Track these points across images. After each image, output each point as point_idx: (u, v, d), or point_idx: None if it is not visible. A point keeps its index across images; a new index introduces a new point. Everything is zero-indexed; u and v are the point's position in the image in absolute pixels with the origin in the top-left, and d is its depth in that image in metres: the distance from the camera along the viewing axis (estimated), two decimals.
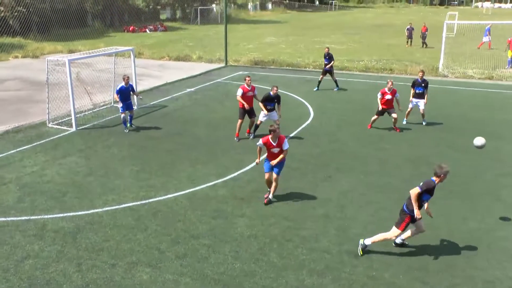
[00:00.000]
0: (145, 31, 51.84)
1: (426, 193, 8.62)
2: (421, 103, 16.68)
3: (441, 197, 11.39)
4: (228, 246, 9.20)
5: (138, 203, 10.92)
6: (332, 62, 22.64)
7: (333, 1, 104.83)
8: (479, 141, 10.52)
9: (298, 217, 10.36)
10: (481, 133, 16.14)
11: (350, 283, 8.14)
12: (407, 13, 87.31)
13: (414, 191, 8.56)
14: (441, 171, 8.49)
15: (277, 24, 63.99)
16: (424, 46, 38.79)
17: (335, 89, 22.84)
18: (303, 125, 17.02)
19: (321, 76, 22.87)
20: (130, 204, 10.84)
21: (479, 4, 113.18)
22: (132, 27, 51.58)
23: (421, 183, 8.60)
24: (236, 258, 8.79)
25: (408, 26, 40.29)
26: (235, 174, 12.64)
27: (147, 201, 11.02)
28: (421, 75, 16.58)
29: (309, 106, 19.70)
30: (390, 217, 10.35)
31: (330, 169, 13.01)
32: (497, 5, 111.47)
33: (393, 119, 16.26)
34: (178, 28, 56.40)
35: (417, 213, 8.55)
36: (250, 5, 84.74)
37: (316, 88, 22.76)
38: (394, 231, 8.89)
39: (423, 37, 39.00)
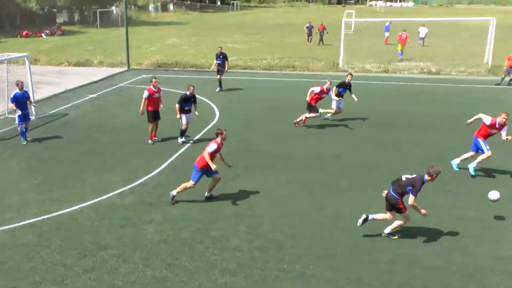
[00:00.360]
0: (41, 36, 49.21)
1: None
2: (342, 103, 17.20)
3: (346, 188, 11.93)
4: (138, 253, 8.99)
5: (40, 218, 10.35)
6: (227, 62, 22.51)
7: (235, 1, 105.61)
8: (494, 195, 10.23)
9: (208, 218, 10.36)
10: (385, 123, 17.22)
11: (263, 278, 8.27)
12: (306, 12, 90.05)
13: (411, 201, 8.99)
14: (434, 171, 8.99)
15: (179, 25, 63.41)
16: (321, 43, 40.24)
17: (217, 90, 22.57)
18: (209, 126, 17.02)
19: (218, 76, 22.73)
20: (32, 220, 10.25)
21: (373, 3, 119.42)
22: (25, 31, 48.68)
23: (415, 181, 9.01)
24: (147, 265, 8.61)
25: (308, 25, 41.65)
26: (142, 179, 12.38)
27: (50, 215, 10.48)
28: (349, 78, 17.08)
29: (214, 106, 19.74)
30: (299, 211, 10.69)
31: (238, 168, 13.08)
32: (388, 3, 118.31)
33: (307, 116, 16.63)
34: (76, 32, 54.11)
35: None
36: (151, 7, 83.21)
37: (219, 88, 22.75)
38: (405, 216, 9.31)
39: (321, 35, 40.50)
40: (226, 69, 22.51)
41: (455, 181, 12.35)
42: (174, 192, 10.96)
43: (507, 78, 23.90)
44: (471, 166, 12.67)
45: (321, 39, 40.50)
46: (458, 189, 11.90)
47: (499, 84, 24.02)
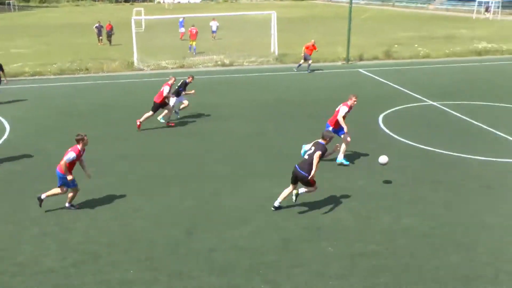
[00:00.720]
0: None
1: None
2: (183, 99, 17.41)
3: (156, 185, 11.85)
4: None
5: None
6: (3, 73, 20.28)
7: (11, 1, 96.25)
8: (383, 159, 11.78)
9: (11, 243, 9.32)
10: (187, 117, 17.47)
11: None
12: (94, 11, 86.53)
13: (317, 156, 9.77)
14: (328, 135, 10.20)
15: None
16: (110, 43, 39.03)
17: None
18: None
19: None
20: None
21: (161, 0, 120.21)
22: None
23: (316, 149, 9.85)
24: None
25: (97, 24, 40.07)
26: None
27: None
28: (190, 79, 17.27)
29: (2, 119, 17.81)
30: (112, 216, 10.30)
31: (38, 182, 12.02)
32: (176, 0, 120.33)
33: (165, 113, 16.64)
34: None
35: (313, 175, 9.91)
36: None
37: None
38: (311, 188, 10.19)
39: (109, 35, 39.19)
40: (4, 80, 20.27)
41: (252, 162, 13.16)
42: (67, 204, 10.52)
43: (305, 64, 26.36)
44: (340, 159, 12.98)
45: (109, 39, 39.16)
46: (259, 169, 12.72)
47: (307, 71, 26.42)
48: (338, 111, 12.67)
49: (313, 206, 10.67)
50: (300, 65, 26.52)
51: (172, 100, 17.05)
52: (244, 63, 29.26)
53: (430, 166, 12.88)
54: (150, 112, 16.27)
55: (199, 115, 17.97)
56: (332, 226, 9.82)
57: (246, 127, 16.55)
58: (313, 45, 25.87)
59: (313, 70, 26.56)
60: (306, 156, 10.06)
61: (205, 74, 26.13)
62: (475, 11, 62.86)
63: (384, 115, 17.60)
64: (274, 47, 31.12)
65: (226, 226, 9.86)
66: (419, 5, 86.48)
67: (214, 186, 11.79)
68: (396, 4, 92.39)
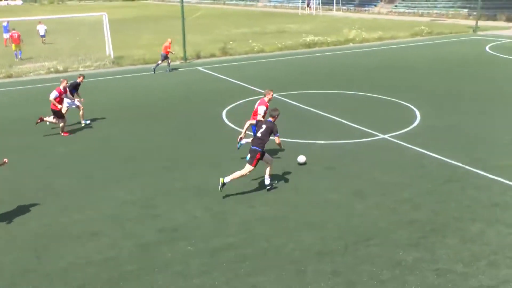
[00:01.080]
0: None
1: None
2: (74, 103, 16.50)
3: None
4: None
5: None
6: None
7: None
8: (301, 159, 12.67)
9: None
10: (16, 129, 16.07)
11: None
12: None
13: (278, 135, 10.81)
14: (276, 113, 10.92)
15: None
16: None
17: None
18: None
19: None
20: None
21: None
22: None
23: (271, 128, 10.63)
24: None
25: None
26: None
27: None
28: (81, 79, 16.66)
29: None
30: None
31: None
32: (4, 2, 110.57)
33: (61, 124, 15.71)
34: None
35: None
36: None
37: None
38: (248, 168, 10.64)
39: None
40: None
41: (99, 170, 12.63)
42: None
43: (164, 63, 25.99)
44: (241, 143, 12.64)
45: None
46: (107, 177, 12.22)
47: (153, 69, 26.00)
48: (257, 110, 12.32)
49: (167, 208, 10.54)
50: (169, 64, 26.17)
51: (65, 104, 16.00)
52: (80, 68, 27.77)
53: (277, 154, 13.48)
54: (54, 119, 15.56)
55: (36, 128, 16.53)
56: (189, 225, 9.79)
57: (89, 135, 15.75)
58: (169, 44, 25.58)
59: (155, 71, 26.17)
60: (259, 134, 10.69)
61: (38, 83, 24.22)
62: (300, 8, 67.54)
63: (227, 110, 18.03)
64: (109, 50, 30.07)
65: (78, 242, 9.27)
66: (248, 2, 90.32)
67: (60, 202, 11.00)
68: (227, 2, 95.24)
